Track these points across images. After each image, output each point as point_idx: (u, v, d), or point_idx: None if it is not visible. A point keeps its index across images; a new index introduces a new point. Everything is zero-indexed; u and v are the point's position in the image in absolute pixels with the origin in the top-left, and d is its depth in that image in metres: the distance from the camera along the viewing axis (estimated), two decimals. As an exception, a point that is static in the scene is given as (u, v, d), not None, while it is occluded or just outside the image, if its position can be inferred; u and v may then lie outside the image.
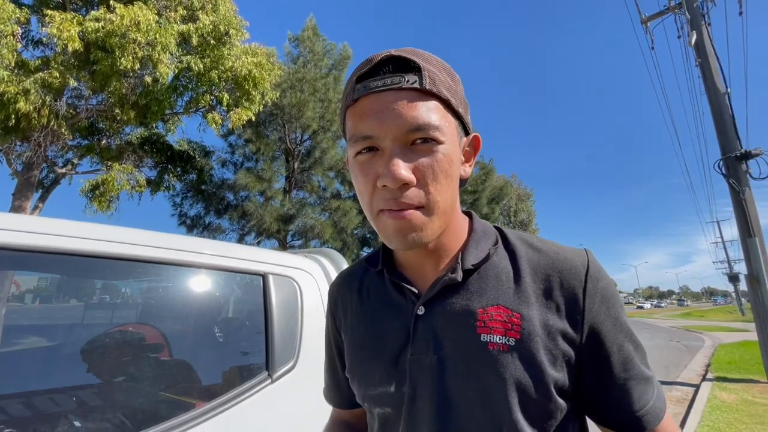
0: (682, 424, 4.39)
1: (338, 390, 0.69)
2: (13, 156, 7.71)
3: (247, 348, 1.09)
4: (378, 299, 0.59)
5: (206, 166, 12.12)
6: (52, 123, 6.70)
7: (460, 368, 0.49)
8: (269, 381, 1.01)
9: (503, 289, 0.51)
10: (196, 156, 11.78)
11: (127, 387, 1.01)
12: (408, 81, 0.47)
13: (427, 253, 0.55)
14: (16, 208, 7.34)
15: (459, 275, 0.52)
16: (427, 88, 0.47)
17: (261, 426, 0.96)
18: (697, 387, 6.16)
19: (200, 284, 1.07)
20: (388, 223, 0.47)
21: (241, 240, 13.11)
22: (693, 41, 7.29)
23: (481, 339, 0.48)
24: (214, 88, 8.38)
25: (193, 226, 12.99)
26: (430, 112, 0.47)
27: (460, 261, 0.53)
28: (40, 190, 8.81)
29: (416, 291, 0.54)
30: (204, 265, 1.03)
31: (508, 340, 0.47)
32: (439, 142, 0.47)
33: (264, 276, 1.13)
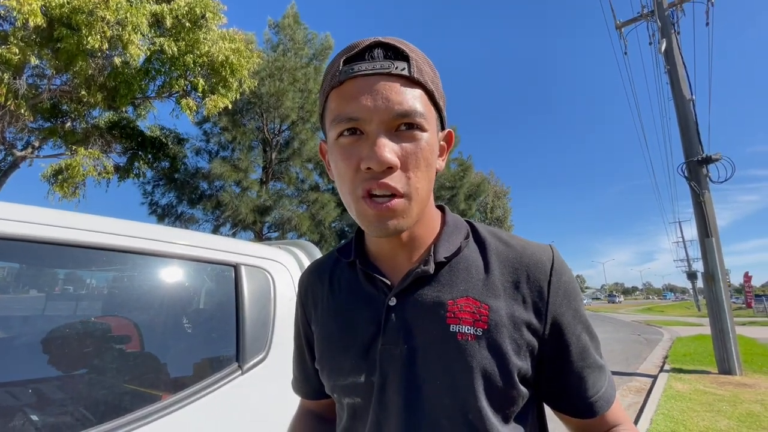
0: (640, 413, 4.64)
1: (307, 381, 0.69)
2: (-33, 136, 7.20)
3: (218, 339, 1.07)
4: (349, 290, 0.60)
5: (179, 154, 11.73)
6: (9, 102, 6.29)
7: (429, 357, 0.50)
8: (239, 372, 1.00)
9: (473, 281, 0.53)
10: (169, 143, 11.37)
11: (90, 379, 0.98)
12: (397, 68, 0.48)
13: (400, 244, 0.55)
14: (-31, 192, 6.88)
15: (431, 267, 0.53)
16: (415, 76, 0.48)
17: (231, 417, 0.95)
18: (654, 378, 6.52)
19: (170, 274, 1.04)
20: (369, 212, 0.48)
21: (215, 231, 12.79)
22: (663, 48, 7.60)
23: (451, 329, 0.50)
24: (189, 72, 8.08)
25: (165, 215, 12.57)
26: (416, 100, 0.48)
27: (432, 253, 0.54)
28: (-3, 174, 8.29)
29: (388, 282, 0.55)
30: (174, 255, 1.01)
31: (476, 330, 0.49)
32: (423, 130, 0.48)
33: (236, 267, 1.12)
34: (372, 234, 0.51)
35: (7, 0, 5.75)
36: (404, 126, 0.47)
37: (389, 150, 0.46)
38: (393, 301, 0.53)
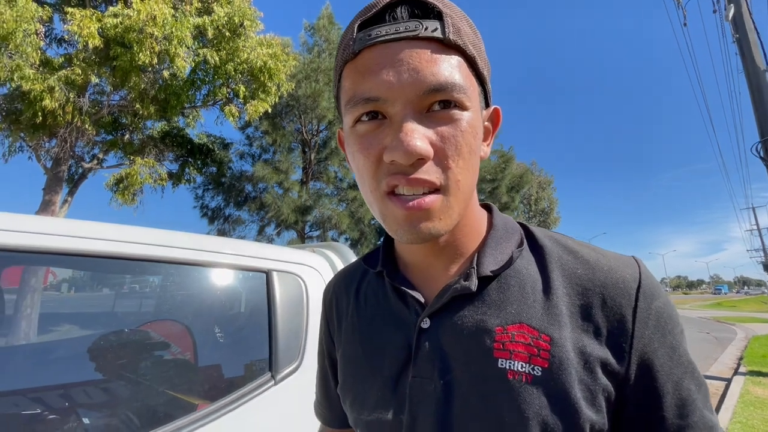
0: (713, 420, 4.22)
1: (330, 407, 0.61)
2: (42, 152, 7.99)
3: (250, 348, 1.06)
4: (377, 307, 0.51)
5: (225, 159, 12.29)
6: (76, 119, 6.89)
7: (471, 399, 0.40)
8: (272, 383, 0.97)
9: (528, 303, 0.41)
10: (215, 149, 11.95)
11: (132, 386, 1.00)
12: (427, 29, 0.37)
13: (436, 251, 0.46)
14: (46, 203, 7.63)
15: (473, 283, 0.42)
16: (452, 38, 0.38)
17: (264, 429, 0.93)
18: (728, 381, 5.91)
19: (200, 282, 1.04)
20: (396, 212, 0.38)
21: (261, 231, 13.33)
22: (730, 15, 6.80)
23: (499, 365, 0.39)
24: (230, 80, 8.42)
25: (214, 217, 13.27)
26: (453, 70, 0.38)
27: (475, 265, 0.44)
28: (69, 185, 9.13)
29: (421, 299, 0.46)
30: (204, 263, 1.00)
31: (533, 369, 0.38)
32: (463, 108, 0.38)
33: (267, 273, 1.10)
34: (401, 240, 0.40)
35: (70, 26, 6.28)
36: (438, 104, 0.38)
37: (419, 137, 0.36)
38: (426, 323, 0.44)
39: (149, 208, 10.44)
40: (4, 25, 5.43)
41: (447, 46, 0.38)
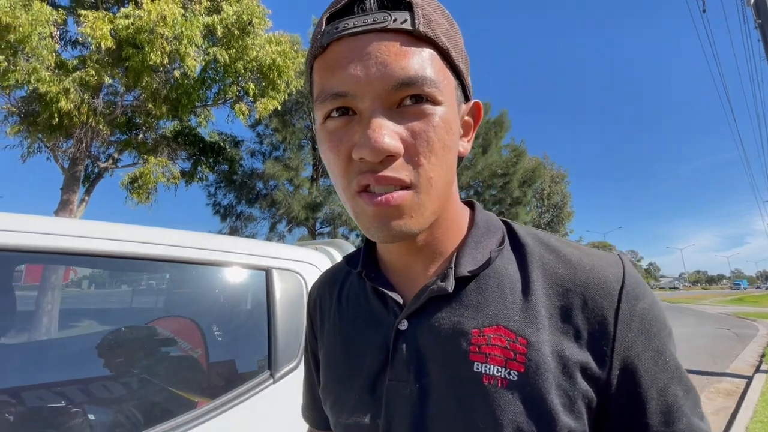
0: (732, 419, 4.10)
1: (316, 408, 0.60)
2: (60, 152, 8.20)
3: (249, 346, 1.06)
4: (358, 308, 0.50)
5: (236, 157, 12.42)
6: (91, 120, 7.03)
7: (446, 404, 0.39)
8: (271, 381, 0.97)
9: (507, 304, 0.40)
10: (227, 147, 12.08)
11: (133, 383, 1.00)
12: (396, 20, 0.36)
13: (414, 250, 0.45)
14: (64, 202, 7.84)
15: (450, 284, 0.41)
16: (422, 30, 0.37)
17: (262, 429, 0.92)
18: (749, 379, 5.74)
19: (198, 281, 1.04)
20: (366, 209, 0.37)
21: (272, 228, 13.46)
22: (752, 0, 6.54)
23: (474, 369, 0.38)
24: (240, 78, 8.48)
25: (227, 215, 13.46)
26: (424, 63, 0.36)
27: (453, 265, 0.43)
28: (86, 185, 9.36)
29: (400, 300, 0.45)
30: (202, 261, 1.00)
31: (509, 374, 0.37)
32: (435, 103, 0.37)
33: (267, 271, 1.09)
34: (373, 238, 0.40)
35: (83, 28, 6.40)
36: (410, 99, 0.36)
37: (388, 133, 0.35)
38: (404, 325, 0.43)
39: (164, 206, 10.66)
40: (20, 28, 5.56)
41: (417, 38, 0.37)
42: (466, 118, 0.45)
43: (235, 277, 1.08)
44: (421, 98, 0.37)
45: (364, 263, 0.50)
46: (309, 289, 1.16)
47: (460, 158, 0.46)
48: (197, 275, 1.02)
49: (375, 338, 0.46)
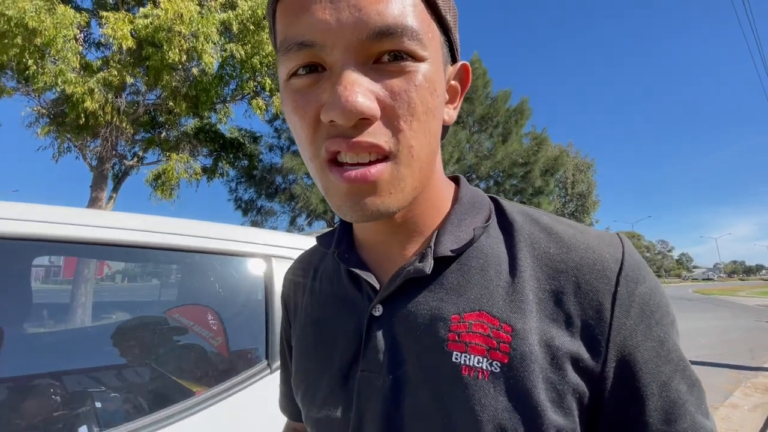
0: (771, 416, 3.88)
1: (292, 399, 0.56)
2: (88, 152, 8.52)
3: (246, 336, 1.04)
4: (330, 292, 0.46)
5: (255, 152, 12.61)
6: (115, 119, 7.26)
7: (420, 398, 0.35)
8: (268, 371, 0.95)
9: (491, 288, 0.36)
10: (246, 142, 12.27)
11: (137, 370, 1.01)
12: None
13: (392, 228, 0.40)
14: (93, 199, 8.16)
15: (428, 265, 0.37)
16: None
17: (259, 418, 0.91)
18: (790, 374, 5.42)
19: (196, 269, 1.03)
20: (338, 185, 0.32)
21: (292, 222, 13.64)
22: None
23: (453, 359, 0.34)
24: (256, 74, 8.57)
25: (248, 209, 13.73)
26: (405, 10, 0.31)
27: (432, 245, 0.38)
28: (114, 182, 9.72)
29: (375, 283, 0.40)
30: (201, 249, 0.99)
31: (491, 365, 0.33)
32: (418, 59, 0.32)
33: (267, 259, 1.07)
34: (345, 218, 0.35)
35: (105, 29, 6.58)
36: (388, 55, 0.31)
37: (363, 91, 0.30)
38: (378, 311, 0.39)
39: (187, 201, 10.95)
40: (46, 32, 5.76)
41: None
42: (453, 82, 0.40)
43: (233, 265, 1.06)
44: (401, 54, 0.31)
45: (337, 242, 0.45)
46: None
47: (445, 128, 0.41)
48: (194, 263, 1.01)
49: (348, 325, 0.42)
